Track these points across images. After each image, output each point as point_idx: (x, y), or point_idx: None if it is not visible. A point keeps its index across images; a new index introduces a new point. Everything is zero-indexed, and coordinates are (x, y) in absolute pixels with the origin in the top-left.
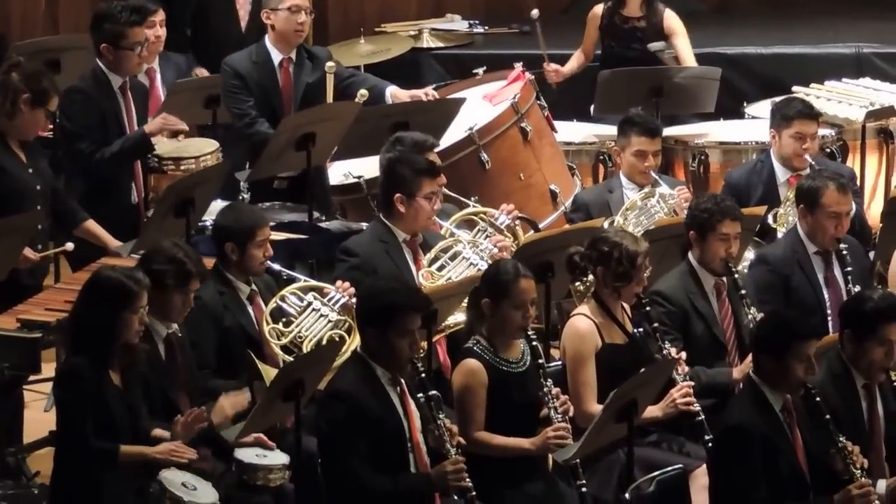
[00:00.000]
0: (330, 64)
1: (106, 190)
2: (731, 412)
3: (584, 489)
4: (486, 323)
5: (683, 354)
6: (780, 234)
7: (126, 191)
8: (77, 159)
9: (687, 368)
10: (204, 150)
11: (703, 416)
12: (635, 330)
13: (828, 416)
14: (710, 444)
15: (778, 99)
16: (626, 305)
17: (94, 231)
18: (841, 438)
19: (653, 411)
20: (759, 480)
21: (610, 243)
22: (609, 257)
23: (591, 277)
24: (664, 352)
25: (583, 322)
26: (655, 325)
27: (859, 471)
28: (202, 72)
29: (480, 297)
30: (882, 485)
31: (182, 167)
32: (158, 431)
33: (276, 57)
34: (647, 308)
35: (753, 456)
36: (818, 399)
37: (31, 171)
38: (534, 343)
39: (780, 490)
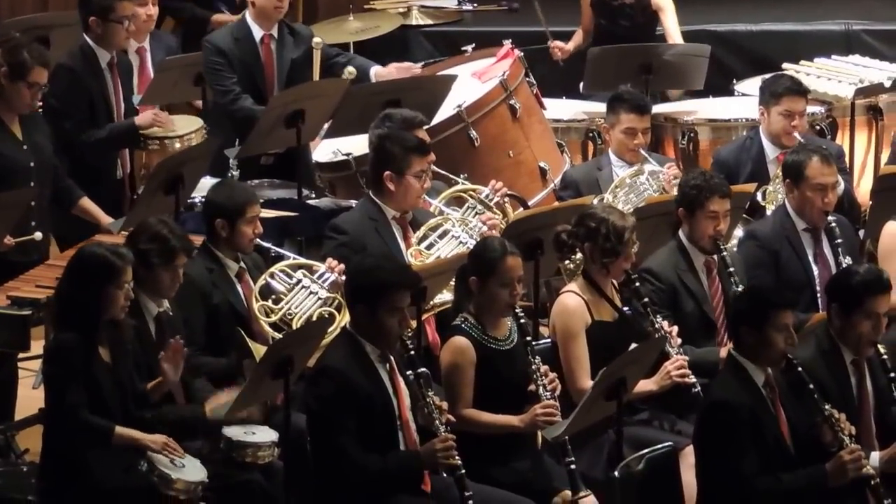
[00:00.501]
0: (317, 40)
1: (91, 166)
2: (715, 389)
3: (573, 466)
4: (473, 301)
5: (676, 328)
6: (769, 212)
7: (111, 167)
8: (61, 137)
9: (679, 341)
10: (188, 128)
11: (699, 388)
12: (625, 308)
13: (811, 386)
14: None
15: (767, 76)
16: (615, 283)
17: (88, 209)
18: (826, 406)
19: (647, 385)
20: (749, 453)
21: (597, 219)
22: (596, 233)
23: (579, 255)
24: (656, 325)
25: (572, 299)
26: (646, 300)
27: (847, 437)
28: None
29: (468, 274)
30: (875, 456)
31: (167, 146)
32: (151, 383)
33: (258, 33)
34: (637, 284)
35: (740, 431)
36: (800, 370)
37: (25, 147)
38: (522, 321)
39: (768, 463)
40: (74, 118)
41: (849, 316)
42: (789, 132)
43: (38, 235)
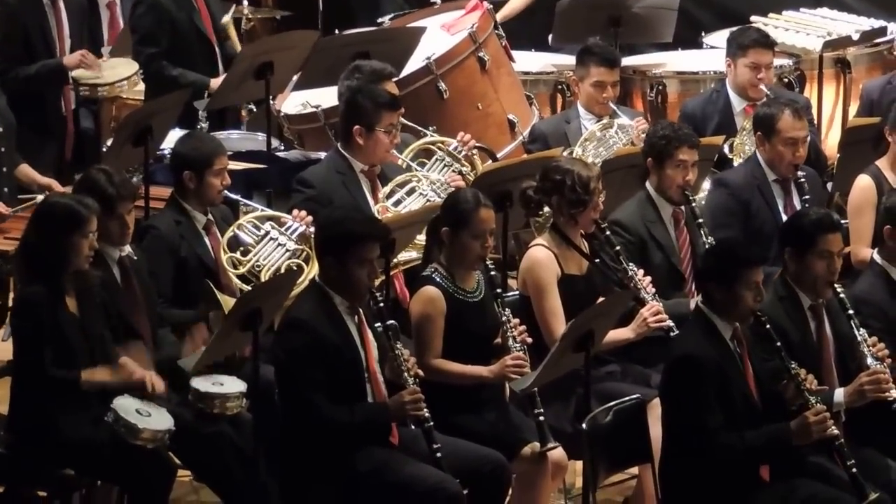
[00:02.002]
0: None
1: (34, 101)
2: (681, 342)
3: (541, 418)
4: (444, 252)
5: (649, 278)
6: (736, 164)
7: (55, 102)
8: None
9: (653, 289)
10: (121, 74)
11: (677, 332)
12: (595, 260)
13: (779, 344)
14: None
15: (735, 29)
16: (583, 235)
17: (27, 173)
18: (793, 365)
19: (624, 333)
20: (714, 408)
21: (561, 171)
22: (562, 185)
23: (547, 210)
24: (630, 273)
25: (541, 252)
26: (618, 248)
27: (813, 397)
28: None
29: (440, 225)
30: (839, 392)
31: (99, 93)
32: (125, 360)
33: None
34: (608, 233)
35: (706, 384)
36: (768, 327)
37: None
38: (491, 273)
39: (734, 417)
40: (3, 54)
41: (803, 258)
42: (755, 84)
43: (39, 198)
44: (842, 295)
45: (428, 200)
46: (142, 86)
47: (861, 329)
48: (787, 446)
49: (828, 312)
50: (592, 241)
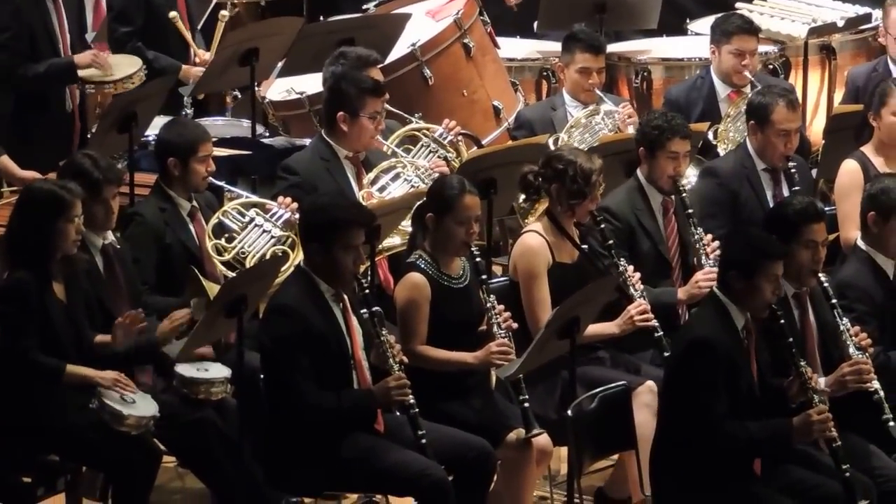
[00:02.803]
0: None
1: (40, 98)
2: (695, 325)
3: (526, 405)
4: (429, 238)
5: (638, 274)
6: (721, 151)
7: (60, 98)
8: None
9: (642, 286)
10: (126, 71)
11: (661, 332)
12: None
13: (790, 340)
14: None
15: (720, 15)
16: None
17: (7, 166)
18: (802, 363)
19: (609, 328)
20: (721, 394)
21: (564, 161)
22: (563, 175)
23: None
24: (620, 268)
25: (534, 239)
26: (611, 241)
27: (817, 396)
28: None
29: (425, 211)
30: (821, 382)
31: (106, 90)
32: (101, 338)
33: None
34: (602, 226)
35: (718, 369)
36: (782, 322)
37: None
38: (476, 259)
39: (737, 407)
40: (10, 50)
41: (787, 246)
42: (740, 71)
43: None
44: (825, 284)
45: (412, 186)
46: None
47: (844, 318)
48: (788, 442)
49: (811, 300)
50: (580, 228)
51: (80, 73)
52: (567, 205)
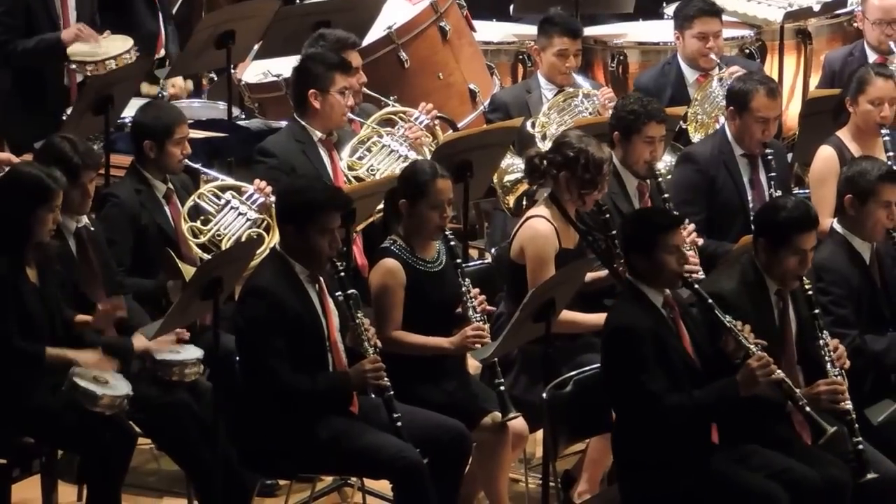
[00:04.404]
0: None
1: (37, 74)
2: (615, 314)
3: (502, 388)
4: (402, 223)
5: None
6: (692, 135)
7: (57, 73)
8: None
9: None
10: (111, 52)
11: None
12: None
13: (710, 301)
14: None
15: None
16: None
17: None
18: (728, 318)
19: (604, 317)
20: (656, 372)
21: (574, 149)
22: (575, 163)
23: (514, 176)
24: (622, 259)
25: (544, 225)
26: (613, 232)
27: (753, 346)
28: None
29: (397, 197)
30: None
31: (88, 70)
32: (81, 317)
33: None
34: (607, 215)
35: (644, 351)
36: (697, 286)
37: None
38: (451, 243)
39: (676, 381)
40: (6, 25)
41: (775, 251)
42: (705, 54)
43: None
44: (809, 292)
45: (392, 151)
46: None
47: (825, 332)
48: (737, 398)
49: (793, 299)
50: (578, 212)
51: (70, 49)
52: (577, 194)
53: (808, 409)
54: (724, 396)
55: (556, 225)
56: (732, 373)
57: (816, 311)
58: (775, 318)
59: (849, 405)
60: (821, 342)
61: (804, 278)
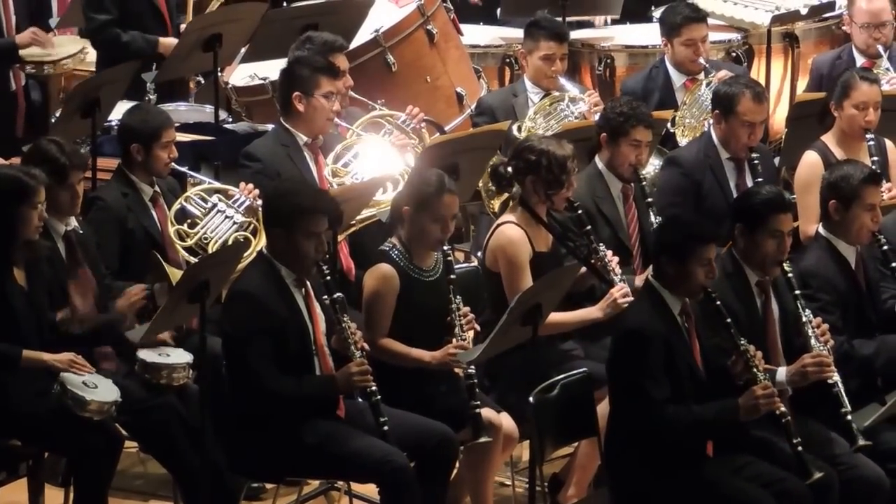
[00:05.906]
0: None
1: None
2: (630, 315)
3: (477, 410)
4: (404, 229)
5: (617, 258)
6: (680, 139)
7: (4, 79)
8: None
9: (620, 271)
10: (68, 51)
11: None
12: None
13: (728, 320)
14: None
15: (664, 7)
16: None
17: None
18: (742, 341)
19: (592, 312)
20: (661, 380)
21: (536, 151)
22: (538, 166)
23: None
24: (600, 253)
25: (514, 230)
26: (588, 228)
27: (761, 373)
28: None
29: (402, 202)
30: (782, 371)
31: (45, 71)
32: (62, 314)
33: None
34: (580, 212)
35: (652, 357)
36: (718, 303)
37: None
38: (449, 258)
39: (680, 391)
40: None
41: (753, 235)
42: (694, 59)
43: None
44: (790, 275)
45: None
46: (91, 58)
47: (807, 310)
48: (735, 421)
49: (774, 288)
50: (550, 213)
51: (22, 52)
52: (545, 194)
53: (799, 449)
54: (722, 417)
55: (527, 229)
56: (736, 392)
57: (798, 291)
58: (758, 308)
59: (836, 377)
60: (804, 319)
61: (784, 264)
